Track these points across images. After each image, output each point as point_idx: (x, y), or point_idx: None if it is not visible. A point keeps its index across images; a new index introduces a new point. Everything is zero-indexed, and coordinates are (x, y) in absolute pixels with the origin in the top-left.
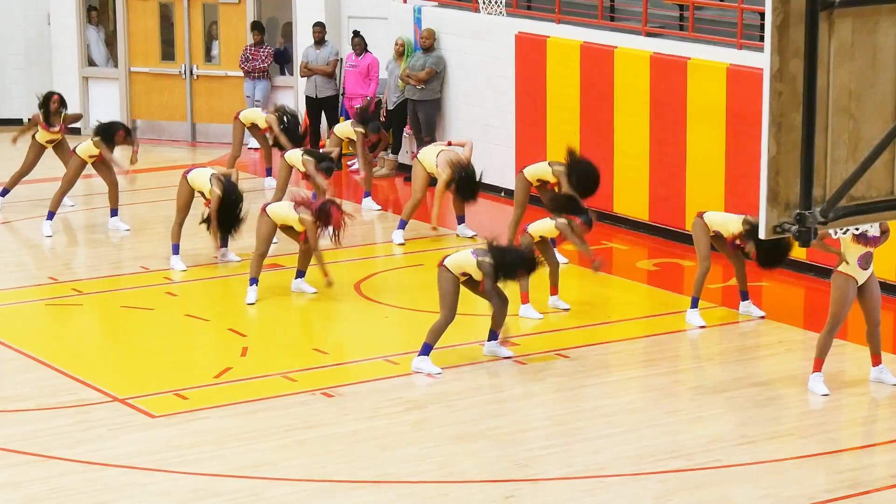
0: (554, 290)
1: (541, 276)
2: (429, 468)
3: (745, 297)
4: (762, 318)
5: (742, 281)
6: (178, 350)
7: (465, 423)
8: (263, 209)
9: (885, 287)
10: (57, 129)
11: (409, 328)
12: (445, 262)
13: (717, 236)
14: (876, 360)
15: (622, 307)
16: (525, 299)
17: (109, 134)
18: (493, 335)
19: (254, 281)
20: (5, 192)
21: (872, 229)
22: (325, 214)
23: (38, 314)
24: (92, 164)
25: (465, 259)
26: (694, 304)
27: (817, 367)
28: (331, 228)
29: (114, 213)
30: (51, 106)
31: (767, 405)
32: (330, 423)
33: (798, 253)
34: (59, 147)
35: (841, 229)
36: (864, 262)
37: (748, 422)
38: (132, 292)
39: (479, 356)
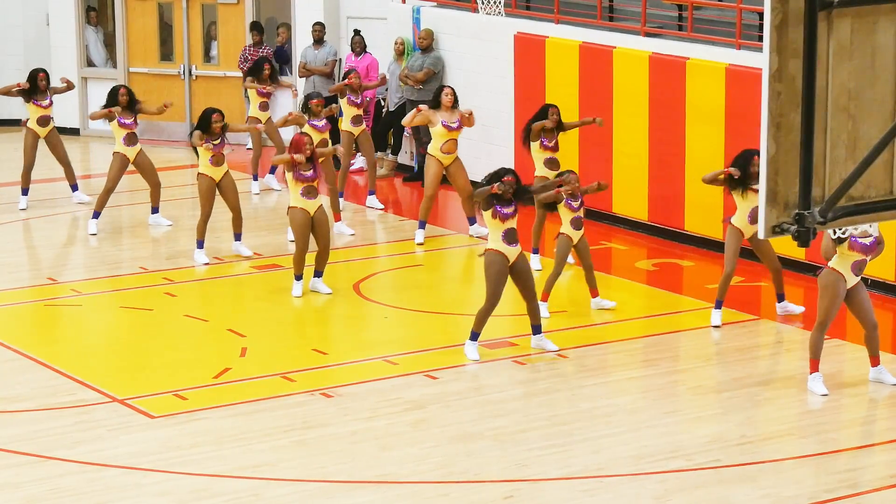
0: (594, 292)
1: (578, 278)
2: (428, 468)
3: (780, 299)
4: (803, 312)
5: (778, 284)
6: (178, 350)
7: (465, 423)
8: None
9: (885, 287)
10: (47, 102)
11: (409, 328)
12: (489, 247)
13: (753, 238)
14: (874, 362)
15: (621, 307)
16: (544, 298)
17: (113, 96)
18: (536, 329)
19: (298, 277)
20: (25, 191)
21: (871, 229)
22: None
23: (38, 315)
24: (134, 162)
25: (489, 229)
26: (717, 306)
27: (813, 367)
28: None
29: (154, 210)
30: (39, 83)
31: (767, 405)
32: (329, 424)
33: (797, 253)
34: (51, 138)
35: (840, 229)
36: (858, 269)
37: (747, 422)
38: (131, 293)
39: (478, 356)
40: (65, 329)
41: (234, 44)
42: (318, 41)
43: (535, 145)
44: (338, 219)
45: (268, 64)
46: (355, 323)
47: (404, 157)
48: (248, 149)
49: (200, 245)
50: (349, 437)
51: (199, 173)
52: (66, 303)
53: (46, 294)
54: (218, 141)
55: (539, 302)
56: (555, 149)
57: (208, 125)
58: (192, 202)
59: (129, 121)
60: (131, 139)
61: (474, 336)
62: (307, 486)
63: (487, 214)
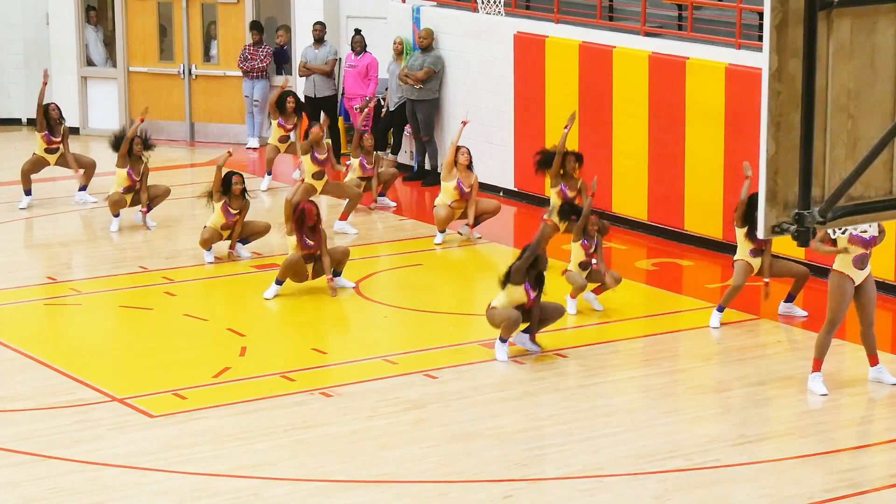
0: (598, 290)
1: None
2: (428, 468)
3: (790, 299)
4: (804, 317)
5: (797, 287)
6: (177, 350)
7: (464, 423)
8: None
9: (885, 287)
10: (58, 139)
11: (409, 328)
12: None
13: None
14: (873, 361)
15: (621, 307)
16: (573, 295)
17: (119, 142)
18: (526, 328)
19: (279, 282)
20: (28, 192)
21: (871, 228)
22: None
23: (37, 314)
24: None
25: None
26: (719, 310)
27: (816, 367)
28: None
29: (147, 209)
30: (51, 113)
31: (766, 405)
32: (329, 423)
33: (797, 253)
34: (63, 161)
35: (840, 229)
36: (860, 262)
37: (747, 421)
38: (131, 292)
39: (478, 356)
40: (64, 328)
41: (233, 43)
42: (319, 41)
43: (554, 191)
44: (343, 217)
45: (291, 97)
46: (355, 323)
47: (404, 157)
48: (249, 148)
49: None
50: (348, 436)
51: (210, 227)
52: (65, 302)
53: (46, 293)
54: (237, 211)
55: (567, 297)
56: (573, 193)
57: (228, 188)
58: (192, 202)
59: (137, 177)
60: (129, 189)
61: (503, 339)
62: (306, 485)
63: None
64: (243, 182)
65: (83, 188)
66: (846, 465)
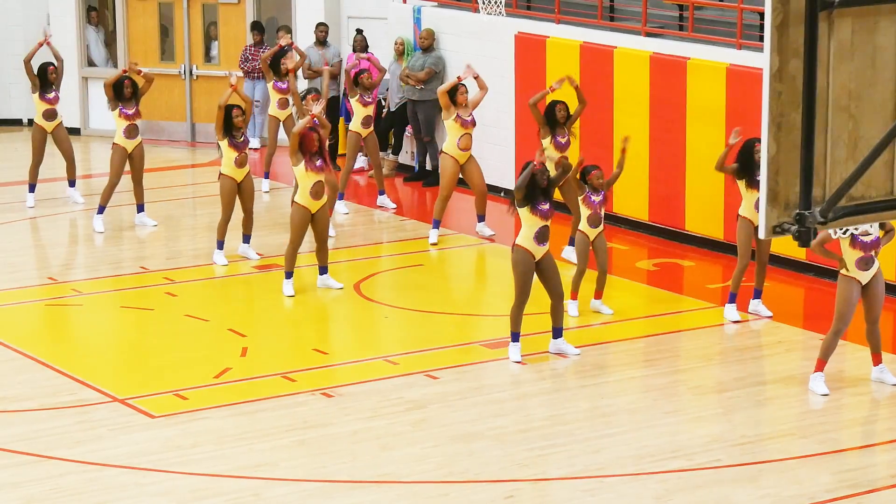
0: (598, 294)
1: (584, 279)
2: (429, 468)
3: (757, 295)
4: (769, 318)
5: (759, 279)
6: (178, 350)
7: (465, 423)
8: (293, 201)
9: (885, 287)
10: (53, 95)
11: (409, 328)
12: (518, 243)
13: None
14: (876, 360)
15: (622, 307)
16: (573, 297)
17: (119, 89)
18: (557, 332)
19: (289, 275)
20: (32, 188)
21: (872, 229)
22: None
23: (38, 314)
24: (132, 154)
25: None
26: (731, 300)
27: (819, 367)
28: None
29: (140, 208)
30: (49, 76)
31: (767, 405)
32: (330, 424)
33: (798, 253)
34: (58, 133)
35: (840, 229)
36: (863, 264)
37: (748, 422)
38: (132, 292)
39: (478, 356)
40: (65, 329)
41: (234, 44)
42: (322, 42)
43: (545, 142)
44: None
45: (283, 58)
46: (356, 323)
47: (405, 157)
48: (251, 149)
49: (221, 246)
50: (350, 436)
51: (221, 174)
52: (66, 302)
53: (47, 294)
54: (241, 139)
55: (569, 300)
56: (566, 146)
57: (230, 121)
58: (192, 202)
59: (130, 111)
60: (131, 132)
61: (515, 337)
62: (307, 485)
63: (525, 211)
64: (243, 113)
65: (72, 183)
66: (847, 466)
